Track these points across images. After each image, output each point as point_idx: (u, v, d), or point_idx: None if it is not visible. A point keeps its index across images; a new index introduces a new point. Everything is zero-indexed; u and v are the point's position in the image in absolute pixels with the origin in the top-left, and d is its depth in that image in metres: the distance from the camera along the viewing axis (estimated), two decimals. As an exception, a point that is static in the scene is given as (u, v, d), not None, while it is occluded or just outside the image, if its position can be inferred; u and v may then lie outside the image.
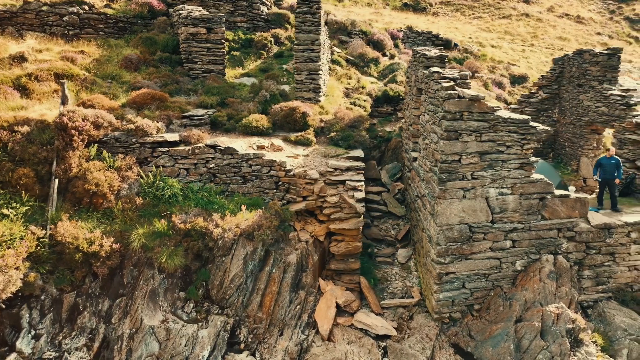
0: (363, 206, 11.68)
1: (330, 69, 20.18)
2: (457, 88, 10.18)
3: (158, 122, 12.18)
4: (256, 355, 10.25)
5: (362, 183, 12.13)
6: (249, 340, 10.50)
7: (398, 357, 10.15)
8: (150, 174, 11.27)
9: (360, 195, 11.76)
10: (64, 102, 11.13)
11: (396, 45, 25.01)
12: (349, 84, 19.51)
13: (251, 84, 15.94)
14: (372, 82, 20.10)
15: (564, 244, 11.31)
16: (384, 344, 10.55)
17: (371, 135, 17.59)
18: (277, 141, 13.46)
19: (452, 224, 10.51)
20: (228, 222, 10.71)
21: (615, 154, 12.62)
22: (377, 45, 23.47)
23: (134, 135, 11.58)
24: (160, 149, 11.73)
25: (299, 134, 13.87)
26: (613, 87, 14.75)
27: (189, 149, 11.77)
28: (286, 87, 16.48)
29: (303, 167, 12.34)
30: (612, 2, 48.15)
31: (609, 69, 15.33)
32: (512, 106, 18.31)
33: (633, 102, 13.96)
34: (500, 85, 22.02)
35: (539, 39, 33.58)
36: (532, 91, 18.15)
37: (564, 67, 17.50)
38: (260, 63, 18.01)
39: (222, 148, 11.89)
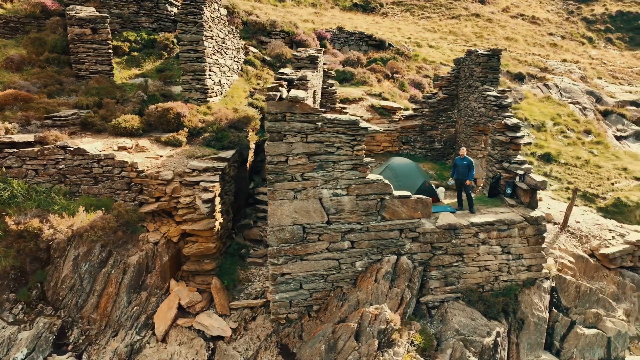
0: (208, 207, 11.65)
1: (242, 70, 20.18)
2: (281, 89, 10.20)
3: (11, 122, 12.13)
4: (83, 356, 10.22)
5: (216, 184, 12.10)
6: (80, 341, 10.47)
7: (222, 357, 10.15)
8: (-10, 174, 11.23)
9: (209, 196, 11.74)
10: None
11: (323, 46, 25.01)
12: (258, 84, 19.50)
13: (138, 84, 15.91)
14: (283, 83, 20.06)
15: (407, 244, 11.34)
16: (215, 345, 10.55)
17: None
18: (144, 142, 13.43)
19: (285, 224, 10.50)
20: (63, 223, 10.69)
21: (467, 154, 12.69)
22: (300, 46, 23.45)
23: (-22, 136, 11.54)
24: (7, 149, 11.68)
25: (171, 134, 13.86)
26: (492, 88, 14.78)
27: (37, 150, 11.72)
28: (179, 88, 16.45)
29: (159, 168, 12.32)
30: (572, 3, 48.33)
31: (490, 70, 15.37)
32: (414, 107, 18.34)
33: (506, 103, 13.99)
34: (418, 85, 22.05)
35: (484, 39, 33.65)
36: (434, 92, 18.18)
37: (460, 68, 17.54)
38: (160, 64, 17.99)
39: (73, 149, 11.86)
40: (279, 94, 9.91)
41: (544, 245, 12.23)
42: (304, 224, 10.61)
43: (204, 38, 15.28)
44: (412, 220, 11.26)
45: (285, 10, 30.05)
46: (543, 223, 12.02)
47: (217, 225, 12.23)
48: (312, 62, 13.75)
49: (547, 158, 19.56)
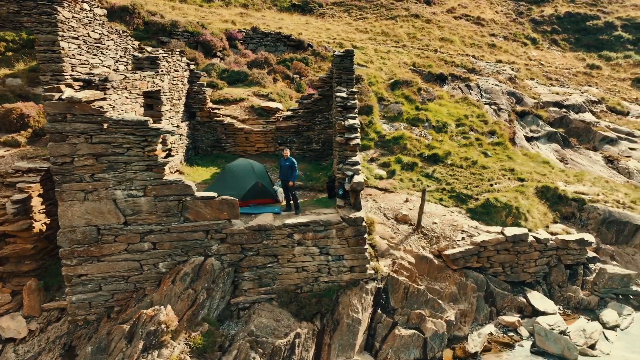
0: (15, 208, 11.55)
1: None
2: (66, 89, 10.16)
3: None
4: None
5: (34, 185, 12.02)
6: None
7: (3, 360, 10.11)
8: None
9: (20, 197, 11.65)
10: None
11: (234, 46, 24.98)
12: (145, 84, 19.40)
13: (-2, 84, 15.84)
14: (174, 83, 20.02)
15: (215, 245, 11.31)
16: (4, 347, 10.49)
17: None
18: (-22, 143, 13.35)
19: (77, 225, 10.45)
20: None
21: (291, 155, 12.72)
22: (206, 47, 23.43)
23: None
24: None
25: (10, 135, 13.78)
26: (344, 89, 14.79)
27: None
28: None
29: (-20, 168, 12.23)
30: (523, 4, 48.47)
31: (344, 71, 15.39)
32: (292, 108, 18.32)
33: (350, 105, 13.97)
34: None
35: (417, 40, 33.70)
36: (311, 92, 18.18)
37: (334, 68, 17.51)
38: (36, 64, 17.88)
39: None
40: (58, 94, 9.86)
41: (365, 246, 12.24)
42: (99, 225, 10.56)
43: (60, 38, 15.17)
44: (218, 221, 11.23)
45: (210, 10, 30.00)
46: (363, 224, 12.01)
47: (40, 226, 12.14)
48: (153, 62, 13.72)
49: (434, 159, 19.60)
